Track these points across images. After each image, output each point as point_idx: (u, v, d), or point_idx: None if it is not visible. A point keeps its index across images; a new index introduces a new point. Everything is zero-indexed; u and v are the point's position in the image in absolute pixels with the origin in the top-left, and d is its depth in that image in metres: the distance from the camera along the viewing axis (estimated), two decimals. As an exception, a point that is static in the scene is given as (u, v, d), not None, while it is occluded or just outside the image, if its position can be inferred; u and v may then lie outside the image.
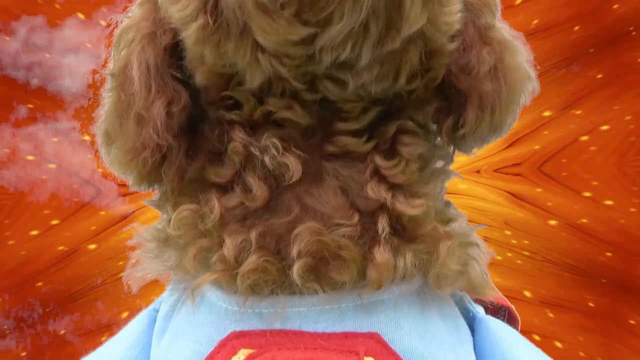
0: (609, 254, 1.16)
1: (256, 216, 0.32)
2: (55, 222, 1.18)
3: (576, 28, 1.15)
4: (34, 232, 1.17)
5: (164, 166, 0.33)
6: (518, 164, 1.20)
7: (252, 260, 0.30)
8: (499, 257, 1.21)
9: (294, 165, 0.31)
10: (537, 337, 1.17)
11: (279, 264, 0.30)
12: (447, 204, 0.38)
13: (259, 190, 0.31)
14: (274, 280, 0.30)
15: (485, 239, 1.23)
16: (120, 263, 1.21)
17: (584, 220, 1.17)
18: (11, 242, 1.16)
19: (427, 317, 0.32)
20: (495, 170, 1.21)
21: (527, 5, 1.17)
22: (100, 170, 1.20)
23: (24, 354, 1.15)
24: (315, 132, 0.32)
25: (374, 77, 0.30)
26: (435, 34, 0.30)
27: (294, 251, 0.30)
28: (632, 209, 1.14)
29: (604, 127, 1.15)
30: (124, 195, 1.22)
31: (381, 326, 0.30)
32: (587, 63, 1.16)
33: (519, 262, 1.20)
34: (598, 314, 1.16)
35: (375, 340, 0.30)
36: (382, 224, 0.30)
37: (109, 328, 1.19)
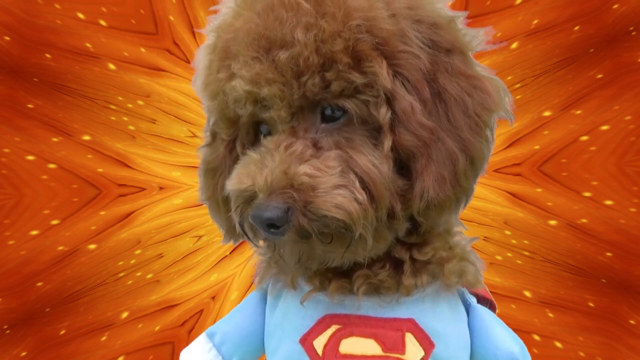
0: (609, 254, 1.16)
1: None
2: (55, 222, 1.18)
3: (576, 28, 1.15)
4: (34, 232, 1.17)
5: None
6: (518, 164, 1.20)
7: (335, 285, 0.49)
8: (499, 257, 1.21)
9: None
10: (537, 337, 1.17)
11: (350, 286, 0.48)
12: (456, 226, 0.54)
13: None
14: (349, 291, 0.49)
15: (485, 239, 1.24)
16: (120, 263, 1.21)
17: (584, 220, 1.17)
18: (11, 242, 1.16)
19: (441, 308, 0.50)
20: (495, 170, 1.21)
21: (527, 5, 1.17)
22: (100, 170, 1.20)
23: (24, 354, 1.15)
24: None
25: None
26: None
27: (355, 286, 0.48)
28: (632, 209, 1.14)
29: (604, 127, 1.15)
30: (124, 195, 1.22)
31: (415, 314, 0.49)
32: (587, 63, 1.16)
33: (519, 262, 1.20)
34: (598, 314, 1.16)
35: (411, 323, 0.49)
36: (406, 267, 0.49)
37: (109, 328, 1.20)
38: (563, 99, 1.17)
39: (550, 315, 1.18)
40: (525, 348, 0.54)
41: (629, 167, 1.14)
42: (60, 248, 1.18)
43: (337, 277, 0.49)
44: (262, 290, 0.55)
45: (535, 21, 1.16)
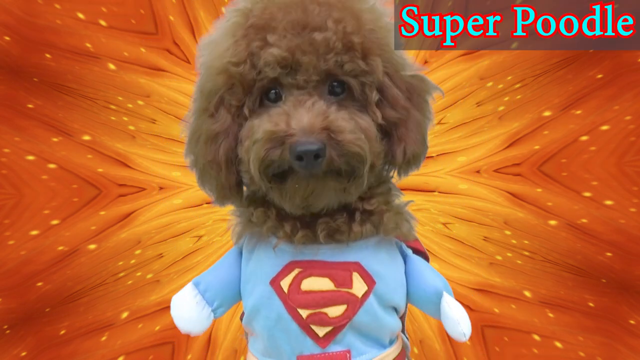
0: (609, 254, 1.16)
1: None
2: (55, 222, 1.18)
3: (576, 28, 1.15)
4: (34, 232, 1.17)
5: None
6: (518, 164, 1.20)
7: (301, 234, 0.60)
8: (499, 257, 1.21)
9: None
10: (537, 337, 1.17)
11: (313, 235, 0.60)
12: (394, 190, 0.66)
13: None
14: (311, 240, 0.60)
15: (485, 239, 1.24)
16: (120, 263, 1.21)
17: (584, 220, 1.17)
18: (11, 242, 1.16)
19: (381, 254, 0.63)
20: (495, 170, 1.21)
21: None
22: (100, 170, 1.20)
23: (24, 354, 1.15)
24: None
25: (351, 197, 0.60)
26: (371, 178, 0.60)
27: (319, 230, 0.60)
28: (632, 209, 1.14)
29: (604, 127, 1.15)
30: (124, 195, 1.22)
31: (360, 258, 0.61)
32: (587, 63, 1.16)
33: (519, 262, 1.20)
34: (598, 314, 1.16)
35: (357, 265, 0.61)
36: (357, 215, 0.61)
37: (109, 328, 1.20)
38: (563, 99, 1.17)
39: (550, 315, 1.18)
40: (448, 284, 0.66)
41: (629, 167, 1.14)
42: (60, 248, 1.18)
43: (303, 227, 0.60)
44: (238, 247, 0.67)
45: (535, 21, 1.16)
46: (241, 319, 0.68)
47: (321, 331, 0.60)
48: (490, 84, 1.20)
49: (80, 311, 1.19)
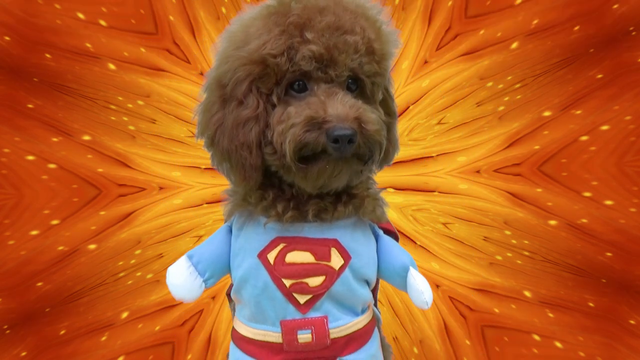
0: (609, 254, 1.16)
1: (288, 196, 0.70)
2: (55, 222, 1.18)
3: (576, 28, 1.15)
4: (34, 232, 1.17)
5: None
6: (518, 164, 1.20)
7: (290, 214, 0.67)
8: (499, 257, 1.21)
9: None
10: (537, 337, 1.17)
11: (300, 215, 0.67)
12: (372, 179, 0.75)
13: (288, 192, 0.69)
14: (299, 219, 0.68)
15: (485, 239, 1.24)
16: (120, 263, 1.21)
17: (584, 220, 1.17)
18: (11, 242, 1.16)
19: (357, 234, 0.71)
20: (495, 170, 1.21)
21: (527, 5, 1.17)
22: (100, 170, 1.20)
23: (24, 354, 1.15)
24: None
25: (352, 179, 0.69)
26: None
27: (309, 209, 0.67)
28: (632, 209, 1.14)
29: (604, 127, 1.15)
30: (124, 195, 1.22)
31: (338, 236, 0.68)
32: (587, 63, 1.16)
33: (519, 262, 1.20)
34: (598, 314, 1.16)
35: (336, 242, 0.68)
36: (344, 197, 0.69)
37: (109, 328, 1.20)
38: (563, 99, 1.17)
39: (550, 315, 1.18)
40: (414, 260, 0.73)
41: (629, 167, 1.14)
42: (60, 248, 1.18)
43: (294, 208, 0.68)
44: (228, 224, 0.74)
45: (535, 21, 1.17)
46: (227, 293, 0.75)
47: (302, 299, 0.67)
48: (490, 84, 1.20)
49: (80, 311, 1.19)
